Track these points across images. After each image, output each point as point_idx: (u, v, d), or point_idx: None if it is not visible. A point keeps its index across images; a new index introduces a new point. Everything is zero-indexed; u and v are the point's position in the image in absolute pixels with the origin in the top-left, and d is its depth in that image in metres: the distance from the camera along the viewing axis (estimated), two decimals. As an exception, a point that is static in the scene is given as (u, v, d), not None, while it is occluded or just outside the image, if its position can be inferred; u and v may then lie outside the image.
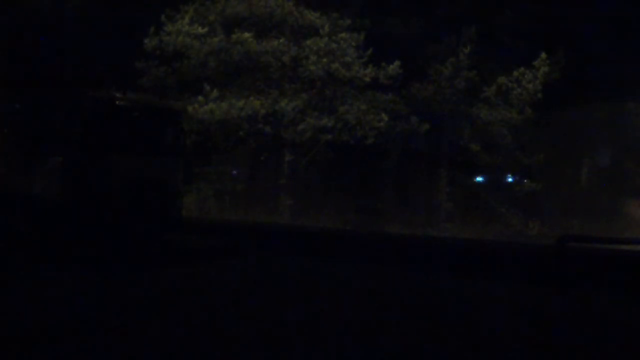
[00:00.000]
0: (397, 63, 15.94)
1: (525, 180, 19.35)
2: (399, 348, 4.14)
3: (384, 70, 15.98)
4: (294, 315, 5.06)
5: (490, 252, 8.71)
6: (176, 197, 9.44)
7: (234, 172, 19.30)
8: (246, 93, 16.05)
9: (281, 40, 15.86)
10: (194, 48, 15.71)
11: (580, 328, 4.79)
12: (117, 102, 8.83)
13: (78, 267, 7.49)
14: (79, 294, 5.81)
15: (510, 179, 19.83)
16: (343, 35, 15.82)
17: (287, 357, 3.92)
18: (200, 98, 15.50)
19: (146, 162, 8.98)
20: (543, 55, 16.47)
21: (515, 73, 16.78)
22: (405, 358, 3.97)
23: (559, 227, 15.82)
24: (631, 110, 18.38)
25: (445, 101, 17.22)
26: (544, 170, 18.20)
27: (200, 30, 15.61)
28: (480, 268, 7.43)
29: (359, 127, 16.05)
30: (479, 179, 20.01)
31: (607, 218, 17.33)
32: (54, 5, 16.95)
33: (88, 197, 8.45)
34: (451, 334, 4.51)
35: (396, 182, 19.90)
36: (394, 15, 16.79)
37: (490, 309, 5.48)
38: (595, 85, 17.23)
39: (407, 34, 16.73)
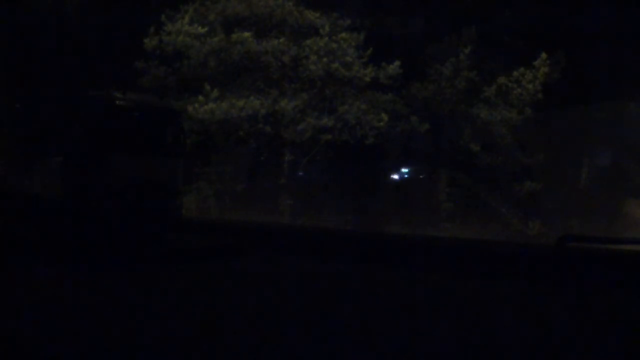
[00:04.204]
0: (397, 63, 15.94)
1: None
2: (399, 348, 4.14)
3: (384, 70, 15.98)
4: (294, 315, 5.06)
5: (490, 252, 8.71)
6: (176, 197, 9.44)
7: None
8: (246, 93, 16.06)
9: (281, 40, 15.86)
10: (194, 48, 15.71)
11: (580, 328, 4.79)
12: (117, 102, 8.83)
13: (78, 267, 7.49)
14: (79, 294, 5.80)
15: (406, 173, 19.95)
16: (343, 35, 15.83)
17: (287, 357, 3.92)
18: (200, 98, 15.50)
19: (146, 162, 8.98)
20: (543, 55, 16.47)
21: (515, 73, 16.78)
22: (405, 358, 3.96)
23: (559, 227, 15.82)
24: (631, 110, 18.37)
25: (445, 101, 17.21)
26: (544, 170, 18.19)
27: (200, 30, 15.62)
28: (480, 268, 7.43)
29: (359, 127, 16.06)
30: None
31: (607, 218, 17.33)
32: (54, 5, 16.95)
33: (88, 197, 8.45)
34: (451, 334, 4.51)
35: (396, 182, 19.92)
36: (394, 15, 16.79)
37: (490, 309, 5.48)
38: (595, 85, 17.22)
39: (407, 34, 16.73)
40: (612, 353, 4.13)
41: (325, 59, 15.65)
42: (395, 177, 20.42)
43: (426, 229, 16.89)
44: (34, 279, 6.60)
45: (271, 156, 17.84)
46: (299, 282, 6.82)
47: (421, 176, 20.27)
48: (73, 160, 8.64)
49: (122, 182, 8.56)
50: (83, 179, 8.50)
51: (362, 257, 8.55)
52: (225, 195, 17.74)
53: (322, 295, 6.03)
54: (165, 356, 3.89)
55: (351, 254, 8.89)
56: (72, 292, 5.93)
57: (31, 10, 16.65)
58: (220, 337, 4.34)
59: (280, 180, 17.41)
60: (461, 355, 4.02)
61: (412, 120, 16.58)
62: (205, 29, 15.69)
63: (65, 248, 8.52)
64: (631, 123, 18.33)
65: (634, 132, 18.33)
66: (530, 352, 4.11)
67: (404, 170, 20.41)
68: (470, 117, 17.32)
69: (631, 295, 5.94)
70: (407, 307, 5.50)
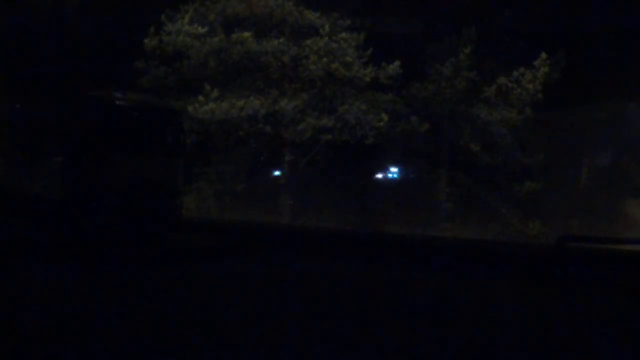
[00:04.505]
0: (397, 63, 15.95)
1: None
2: (399, 348, 4.14)
3: (384, 70, 15.98)
4: (294, 316, 5.06)
5: (490, 252, 8.71)
6: (176, 197, 9.44)
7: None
8: (246, 93, 16.07)
9: (281, 40, 15.86)
10: (194, 48, 15.72)
11: (580, 328, 4.79)
12: (117, 102, 8.83)
13: (78, 267, 7.49)
14: (79, 294, 5.81)
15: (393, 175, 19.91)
16: (343, 35, 15.83)
17: (287, 357, 3.92)
18: (200, 98, 15.51)
19: (146, 162, 8.98)
20: (543, 55, 16.47)
21: (515, 73, 16.78)
22: (406, 358, 3.97)
23: (559, 227, 15.83)
24: (631, 110, 18.39)
25: (445, 101, 17.22)
26: (544, 170, 18.20)
27: (200, 30, 15.62)
28: (480, 268, 7.43)
29: (359, 127, 16.06)
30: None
31: (607, 218, 17.34)
32: (54, 5, 16.96)
33: (88, 197, 8.45)
34: (451, 334, 4.51)
35: (396, 182, 19.92)
36: (394, 15, 16.80)
37: (490, 309, 5.48)
38: (595, 85, 17.24)
39: (407, 34, 16.74)
40: (612, 353, 4.13)
41: (325, 59, 15.65)
42: (379, 176, 20.29)
43: (426, 229, 16.89)
44: (34, 279, 6.60)
45: (271, 156, 17.85)
46: (299, 282, 6.82)
47: (411, 175, 20.25)
48: (73, 160, 8.65)
49: (122, 182, 8.56)
50: (83, 179, 8.50)
51: (362, 257, 8.55)
52: (225, 195, 17.75)
53: (322, 295, 6.03)
54: (165, 356, 3.89)
55: (351, 254, 8.89)
56: (72, 292, 5.93)
57: (31, 10, 16.65)
58: (220, 337, 4.34)
59: (280, 180, 17.41)
60: (461, 355, 4.02)
61: (412, 120, 16.59)
62: (205, 29, 15.70)
63: (65, 248, 8.52)
64: (631, 123, 18.35)
65: (634, 132, 18.35)
66: (530, 352, 4.11)
67: (393, 169, 20.31)
68: (470, 117, 17.32)
69: (631, 295, 5.94)
70: (407, 307, 5.50)
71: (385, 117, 15.98)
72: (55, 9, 16.93)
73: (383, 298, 5.94)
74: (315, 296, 5.96)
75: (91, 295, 5.78)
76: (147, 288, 6.27)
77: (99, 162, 8.47)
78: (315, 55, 15.73)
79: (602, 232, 14.99)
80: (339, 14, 16.21)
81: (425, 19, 17.12)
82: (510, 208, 17.71)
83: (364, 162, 18.62)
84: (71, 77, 15.29)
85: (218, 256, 8.96)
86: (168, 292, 6.03)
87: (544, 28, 16.84)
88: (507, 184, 18.02)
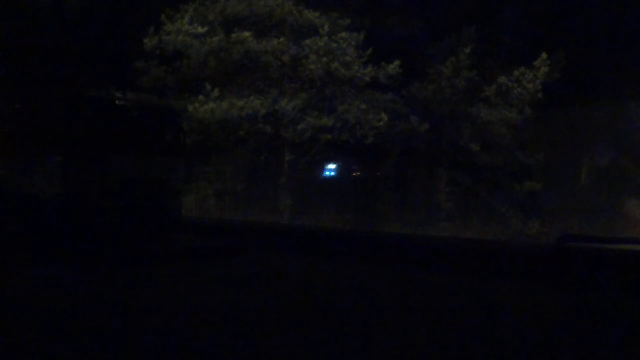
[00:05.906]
0: (397, 63, 15.92)
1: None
2: (399, 348, 4.14)
3: (384, 70, 15.96)
4: (294, 315, 5.06)
5: (490, 252, 8.71)
6: (176, 197, 9.44)
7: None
8: (246, 93, 16.05)
9: (281, 40, 15.85)
10: (194, 48, 15.69)
11: (580, 328, 4.79)
12: (117, 102, 8.83)
13: (78, 267, 7.50)
14: (79, 294, 5.81)
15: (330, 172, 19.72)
16: (343, 35, 15.81)
17: (287, 357, 3.93)
18: (200, 98, 15.49)
19: (146, 162, 8.98)
20: (543, 55, 16.45)
21: (516, 73, 16.76)
22: (405, 358, 3.97)
23: (559, 227, 15.84)
24: (631, 110, 18.40)
25: (445, 101, 17.20)
26: (544, 170, 18.21)
27: (200, 30, 15.60)
28: (480, 268, 7.43)
29: (359, 127, 16.04)
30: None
31: (607, 218, 17.34)
32: (54, 5, 16.96)
33: (88, 197, 8.45)
34: (451, 334, 4.51)
35: (396, 182, 19.91)
36: (394, 15, 16.80)
37: (490, 309, 5.48)
38: (595, 85, 17.24)
39: (407, 34, 16.74)
40: (612, 353, 4.13)
41: (325, 59, 15.62)
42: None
43: (426, 229, 16.89)
44: (34, 279, 6.60)
45: (271, 156, 17.84)
46: (299, 282, 6.82)
47: (356, 174, 20.09)
48: (73, 160, 8.64)
49: (122, 181, 8.56)
50: (83, 179, 8.50)
51: (362, 257, 8.55)
52: (225, 195, 17.75)
53: (322, 295, 6.03)
54: (165, 356, 3.89)
55: (351, 254, 8.89)
56: (72, 292, 5.93)
57: (31, 10, 16.65)
58: (219, 337, 4.34)
59: (280, 180, 17.41)
60: (461, 355, 4.02)
61: (412, 120, 16.57)
62: (205, 29, 15.66)
63: (65, 248, 8.51)
64: (631, 123, 18.35)
65: (634, 132, 18.36)
66: (530, 352, 4.11)
67: (331, 166, 20.01)
68: (470, 117, 17.31)
69: (631, 295, 5.94)
70: (407, 307, 5.50)
71: (385, 117, 15.96)
72: (55, 8, 16.93)
73: (383, 298, 5.95)
74: (315, 296, 5.96)
75: (91, 295, 5.78)
76: (147, 288, 6.27)
77: (99, 162, 8.47)
78: (315, 55, 15.70)
79: (602, 232, 15.00)
80: (339, 13, 16.18)
81: (425, 19, 17.12)
82: (510, 208, 17.70)
83: (364, 162, 18.63)
84: (71, 77, 15.29)
85: (218, 256, 8.97)
86: (168, 292, 6.03)
87: (544, 28, 16.84)
88: (507, 184, 18.01)
